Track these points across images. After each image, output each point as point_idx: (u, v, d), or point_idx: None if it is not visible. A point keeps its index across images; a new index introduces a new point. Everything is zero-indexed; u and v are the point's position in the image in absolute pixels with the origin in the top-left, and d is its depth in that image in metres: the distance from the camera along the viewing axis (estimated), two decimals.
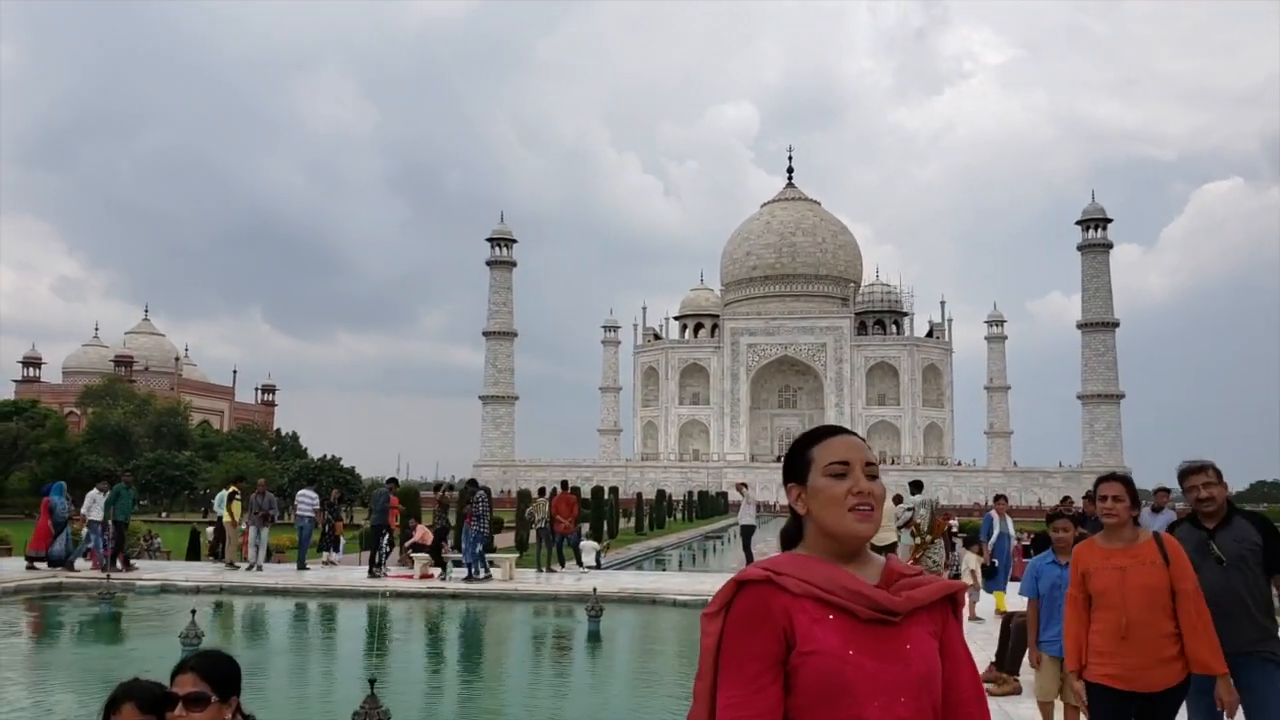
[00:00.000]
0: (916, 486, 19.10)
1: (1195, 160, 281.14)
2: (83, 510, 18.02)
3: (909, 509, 17.08)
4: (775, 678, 1.74)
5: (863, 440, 1.94)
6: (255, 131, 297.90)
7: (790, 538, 1.95)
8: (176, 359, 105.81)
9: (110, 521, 17.79)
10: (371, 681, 6.81)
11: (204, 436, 73.64)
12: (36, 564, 17.68)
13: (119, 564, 17.79)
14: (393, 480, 22.22)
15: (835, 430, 1.94)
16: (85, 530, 18.29)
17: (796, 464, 1.92)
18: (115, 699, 2.59)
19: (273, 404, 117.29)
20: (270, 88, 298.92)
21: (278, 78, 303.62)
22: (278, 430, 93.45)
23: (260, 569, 18.37)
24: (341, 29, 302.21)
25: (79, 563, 18.04)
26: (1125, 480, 4.28)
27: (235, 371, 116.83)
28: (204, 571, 18.35)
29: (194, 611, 10.92)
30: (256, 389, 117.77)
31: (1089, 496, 14.55)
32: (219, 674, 2.61)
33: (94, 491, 18.24)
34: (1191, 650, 4.02)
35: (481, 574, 17.10)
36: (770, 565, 1.82)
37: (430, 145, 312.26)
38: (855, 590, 1.77)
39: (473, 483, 20.25)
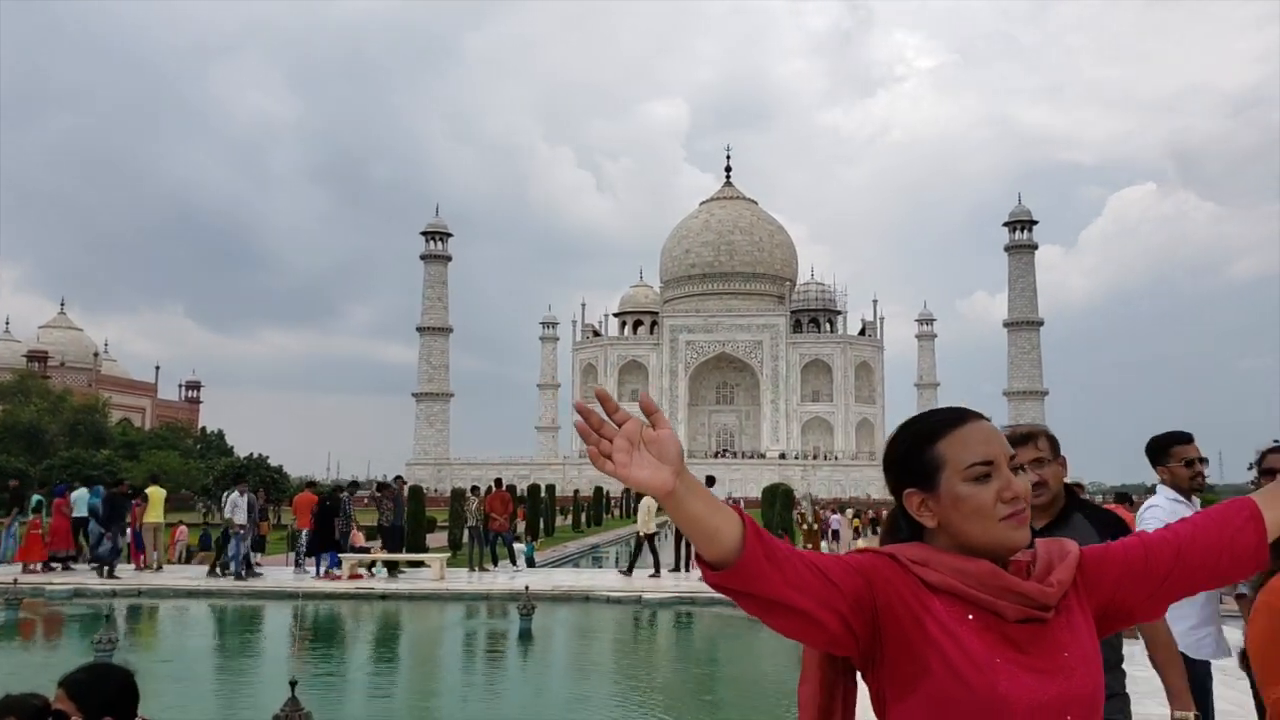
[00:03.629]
0: (709, 481, 19.94)
1: (1113, 165, 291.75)
2: (227, 514, 17.69)
3: None
4: (859, 594, 1.38)
5: (991, 423, 1.52)
6: (175, 119, 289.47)
7: None
8: (95, 354, 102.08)
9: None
10: (293, 683, 6.65)
11: (124, 435, 71.31)
12: (54, 565, 17.84)
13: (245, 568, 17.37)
14: (399, 479, 21.95)
15: (960, 416, 1.52)
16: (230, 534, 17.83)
17: (916, 465, 1.50)
18: None
19: (198, 401, 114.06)
20: (190, 74, 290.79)
21: (198, 64, 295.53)
22: (203, 428, 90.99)
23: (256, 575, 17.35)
24: (265, 15, 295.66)
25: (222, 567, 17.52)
26: None
27: (158, 368, 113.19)
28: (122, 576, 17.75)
29: (108, 616, 10.56)
30: (180, 386, 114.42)
31: None
32: (90, 693, 2.52)
33: (234, 495, 17.96)
34: None
35: (242, 573, 16.86)
36: (898, 551, 1.47)
37: (357, 137, 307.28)
38: (1001, 584, 1.41)
39: (239, 482, 20.50)
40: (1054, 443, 3.11)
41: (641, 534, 18.62)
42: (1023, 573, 1.46)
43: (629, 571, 17.98)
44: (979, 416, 1.52)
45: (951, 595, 1.42)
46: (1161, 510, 4.28)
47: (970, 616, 1.41)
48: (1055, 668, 1.40)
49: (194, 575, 17.82)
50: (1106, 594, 1.51)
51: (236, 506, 17.58)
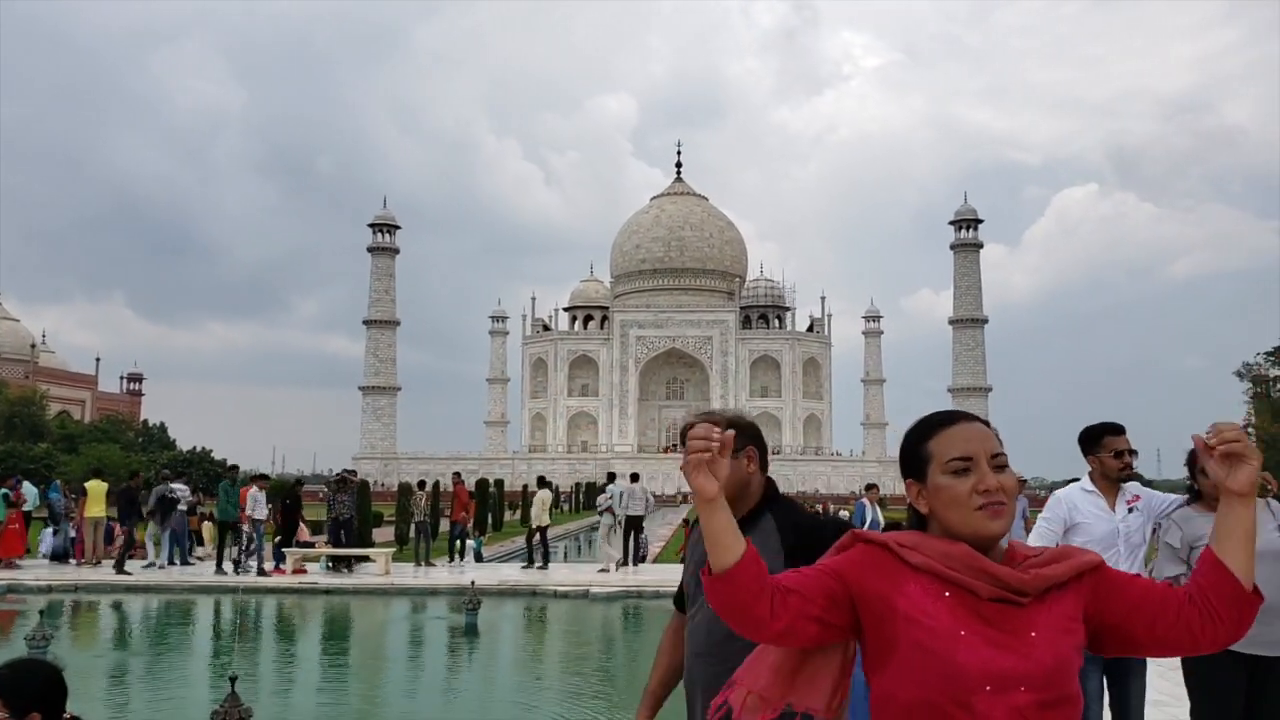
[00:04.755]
0: (610, 478, 20.80)
1: (1056, 166, 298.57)
2: (247, 510, 17.45)
3: (609, 496, 18.89)
4: (833, 592, 1.66)
5: (986, 425, 1.72)
6: (115, 107, 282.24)
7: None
8: (32, 345, 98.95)
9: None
10: (233, 679, 6.53)
11: (63, 428, 69.40)
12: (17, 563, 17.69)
13: (249, 562, 17.34)
14: (351, 471, 21.46)
15: (951, 418, 1.74)
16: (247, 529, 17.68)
17: (913, 459, 1.74)
18: None
19: (140, 394, 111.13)
20: (131, 61, 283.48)
21: (140, 50, 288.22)
22: (145, 421, 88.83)
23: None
24: (209, 2, 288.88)
25: (249, 562, 17.47)
26: None
27: (98, 360, 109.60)
28: (59, 572, 17.32)
29: (41, 613, 10.27)
30: (122, 378, 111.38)
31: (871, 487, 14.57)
32: (16, 689, 2.46)
33: (253, 489, 17.68)
34: None
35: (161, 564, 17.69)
36: (890, 537, 1.69)
37: (303, 128, 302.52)
38: (978, 566, 1.61)
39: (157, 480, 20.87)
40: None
41: (534, 526, 19.07)
42: (1014, 561, 1.66)
43: (544, 565, 18.43)
44: (970, 418, 1.73)
45: (931, 575, 1.63)
46: (1059, 506, 4.50)
47: (947, 594, 1.62)
48: (1019, 644, 1.58)
49: (131, 570, 17.37)
50: (1115, 618, 1.66)
51: (257, 501, 17.48)
